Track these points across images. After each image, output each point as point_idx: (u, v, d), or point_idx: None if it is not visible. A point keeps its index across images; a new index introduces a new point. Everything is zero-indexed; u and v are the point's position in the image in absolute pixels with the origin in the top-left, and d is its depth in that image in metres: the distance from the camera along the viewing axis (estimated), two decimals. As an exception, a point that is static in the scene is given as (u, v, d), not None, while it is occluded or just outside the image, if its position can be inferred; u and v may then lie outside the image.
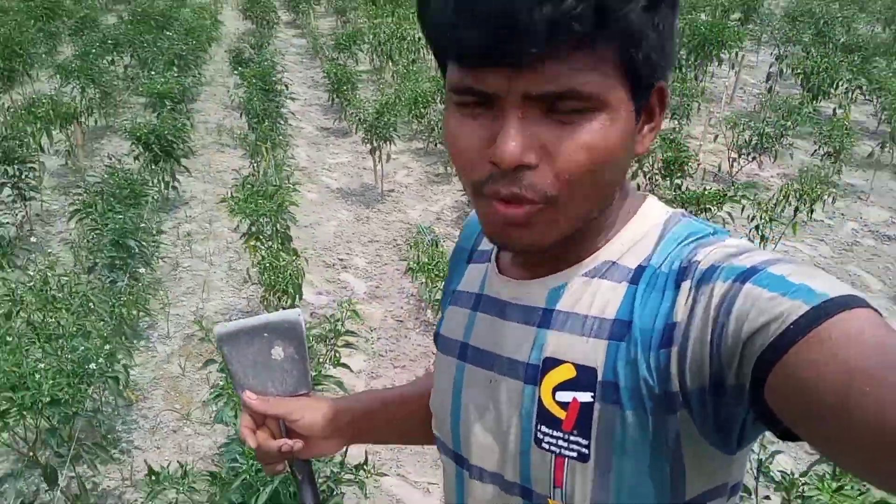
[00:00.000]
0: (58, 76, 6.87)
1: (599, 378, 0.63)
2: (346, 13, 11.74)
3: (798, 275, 0.55)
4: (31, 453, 2.56)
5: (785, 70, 8.55)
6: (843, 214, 5.98)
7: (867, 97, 8.20)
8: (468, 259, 0.83)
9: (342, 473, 2.11)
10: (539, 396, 0.67)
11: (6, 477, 2.42)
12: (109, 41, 8.03)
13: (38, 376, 2.27)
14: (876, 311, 0.53)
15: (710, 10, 12.07)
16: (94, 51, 7.37)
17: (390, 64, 8.99)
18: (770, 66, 8.90)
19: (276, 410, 0.88)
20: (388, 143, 5.90)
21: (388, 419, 0.96)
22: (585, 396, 0.64)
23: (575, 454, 0.64)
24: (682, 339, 0.59)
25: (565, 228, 0.63)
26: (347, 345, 2.51)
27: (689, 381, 0.58)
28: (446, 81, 0.63)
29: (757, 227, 4.71)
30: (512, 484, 0.71)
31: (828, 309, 0.51)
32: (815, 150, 6.49)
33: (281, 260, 3.47)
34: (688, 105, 7.16)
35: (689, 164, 5.71)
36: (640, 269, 0.65)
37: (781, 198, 4.87)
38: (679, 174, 5.64)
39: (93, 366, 2.41)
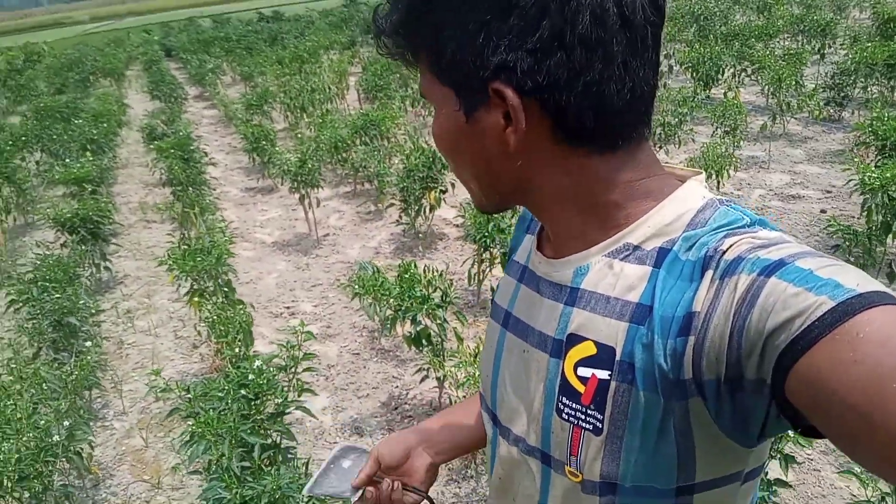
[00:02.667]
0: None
1: (617, 357, 0.66)
2: (254, 78, 11.87)
3: (826, 269, 0.54)
4: (3, 540, 2.51)
5: (674, 66, 9.12)
6: (749, 184, 6.40)
7: (752, 78, 8.83)
8: (527, 228, 0.89)
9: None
10: (562, 370, 0.71)
11: (-19, 567, 2.37)
12: (21, 138, 7.90)
13: (2, 456, 2.26)
14: None
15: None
16: (6, 149, 7.26)
17: (304, 117, 9.14)
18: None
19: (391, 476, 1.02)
20: (315, 189, 6.01)
21: (468, 443, 1.06)
22: (603, 374, 0.67)
23: (590, 426, 0.68)
24: (701, 330, 0.59)
25: (481, 199, 0.77)
26: (308, 369, 2.58)
27: (705, 371, 0.59)
28: None
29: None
30: (533, 448, 0.76)
31: (854, 306, 0.51)
32: (714, 132, 6.94)
33: (227, 311, 3.52)
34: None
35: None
36: (664, 253, 0.66)
37: (690, 176, 5.20)
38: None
39: (56, 437, 2.41)
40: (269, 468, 2.27)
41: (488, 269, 4.68)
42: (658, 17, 0.65)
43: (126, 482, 3.45)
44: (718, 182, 5.34)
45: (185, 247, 3.88)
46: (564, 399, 0.70)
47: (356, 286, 3.43)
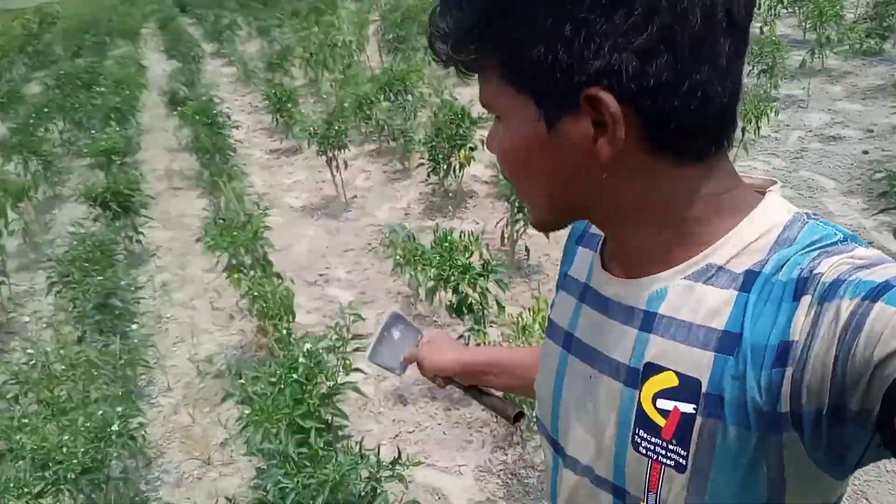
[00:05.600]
0: (-3, 155, 6.75)
1: (703, 390, 0.61)
2: (270, 32, 11.65)
3: None
4: (70, 527, 2.58)
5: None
6: (787, 125, 6.18)
7: (788, 10, 8.45)
8: (578, 240, 0.84)
9: (380, 472, 2.18)
10: (639, 401, 0.66)
11: (51, 555, 2.44)
12: (44, 108, 7.89)
13: (65, 449, 2.30)
14: None
15: None
16: (31, 121, 7.26)
17: (325, 73, 8.98)
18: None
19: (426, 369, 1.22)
20: (342, 150, 5.93)
21: (493, 380, 1.17)
22: (687, 407, 0.62)
23: (672, 463, 0.64)
24: (800, 359, 0.55)
25: (539, 215, 0.73)
26: (357, 349, 2.58)
27: (805, 403, 0.55)
28: None
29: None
30: (604, 480, 0.72)
31: None
32: (751, 70, 6.68)
33: (267, 286, 3.51)
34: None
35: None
36: (752, 276, 0.61)
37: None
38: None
39: (114, 427, 2.44)
40: (327, 451, 2.29)
41: (522, 229, 4.60)
42: (750, 17, 0.60)
43: (177, 460, 3.53)
44: (758, 128, 5.15)
45: (221, 221, 3.86)
46: (642, 432, 0.66)
47: (398, 257, 3.39)
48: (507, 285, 3.37)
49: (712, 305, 0.62)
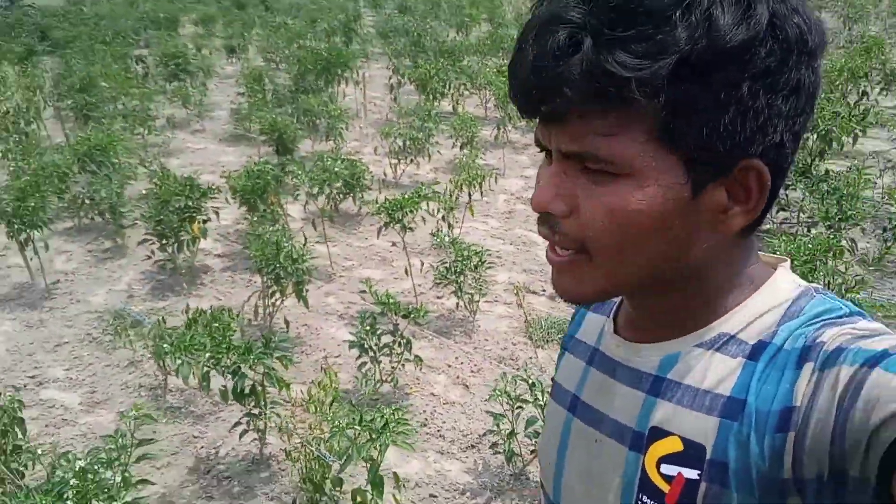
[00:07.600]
0: None
1: (708, 456, 0.62)
2: None
3: None
4: None
5: (403, 81, 9.54)
6: (492, 190, 6.96)
7: (471, 91, 9.63)
8: (588, 306, 0.83)
9: None
10: (643, 465, 0.66)
11: None
12: None
13: None
14: None
15: (313, 35, 12.80)
16: None
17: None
18: (389, 79, 9.83)
19: None
20: (39, 229, 5.06)
21: None
22: (692, 473, 0.62)
23: None
24: (801, 425, 0.56)
25: (606, 285, 0.65)
26: (144, 457, 2.17)
27: (806, 469, 0.56)
28: None
29: (443, 217, 5.27)
30: None
31: None
32: (455, 143, 7.42)
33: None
34: (335, 125, 7.57)
35: (364, 177, 6.08)
36: (761, 346, 0.63)
37: (454, 189, 5.49)
38: (358, 189, 5.98)
39: None
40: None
41: (280, 302, 4.40)
42: None
43: None
44: (481, 192, 5.71)
45: None
46: (645, 497, 0.66)
47: (165, 347, 2.97)
48: (291, 361, 3.16)
49: (720, 372, 0.63)
